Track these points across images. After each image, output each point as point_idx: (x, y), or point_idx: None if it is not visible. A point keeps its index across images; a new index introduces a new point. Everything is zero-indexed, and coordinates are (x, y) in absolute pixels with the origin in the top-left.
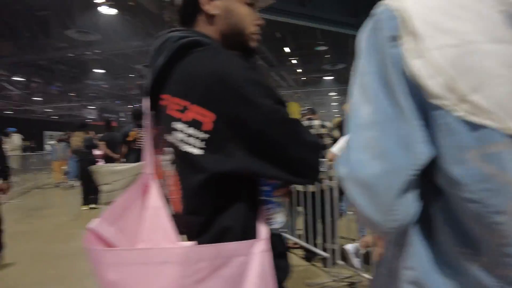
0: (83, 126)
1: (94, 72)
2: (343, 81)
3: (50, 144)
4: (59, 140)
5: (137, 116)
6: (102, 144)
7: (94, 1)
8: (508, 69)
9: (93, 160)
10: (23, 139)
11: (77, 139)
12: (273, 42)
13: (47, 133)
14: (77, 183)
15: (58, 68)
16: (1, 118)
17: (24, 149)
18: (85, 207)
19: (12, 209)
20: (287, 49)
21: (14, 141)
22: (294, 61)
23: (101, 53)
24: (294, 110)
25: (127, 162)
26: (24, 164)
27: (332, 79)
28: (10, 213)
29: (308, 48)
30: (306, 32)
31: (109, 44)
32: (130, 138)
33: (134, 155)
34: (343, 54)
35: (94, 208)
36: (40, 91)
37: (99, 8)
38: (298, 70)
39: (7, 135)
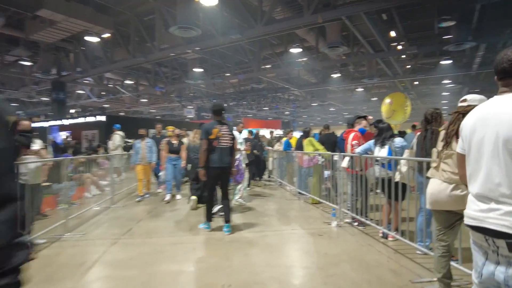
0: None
1: (193, 71)
2: (462, 66)
3: (131, 142)
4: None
5: (216, 111)
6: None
7: None
8: None
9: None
10: (125, 137)
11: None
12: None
13: (152, 131)
14: (178, 195)
15: (161, 70)
16: (115, 118)
17: (126, 148)
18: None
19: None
20: (393, 33)
21: (116, 140)
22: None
23: (200, 51)
24: (399, 101)
25: None
26: (125, 163)
27: (449, 63)
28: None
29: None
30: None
31: (208, 40)
32: (212, 136)
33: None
34: (468, 31)
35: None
36: (146, 93)
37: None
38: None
39: (112, 132)
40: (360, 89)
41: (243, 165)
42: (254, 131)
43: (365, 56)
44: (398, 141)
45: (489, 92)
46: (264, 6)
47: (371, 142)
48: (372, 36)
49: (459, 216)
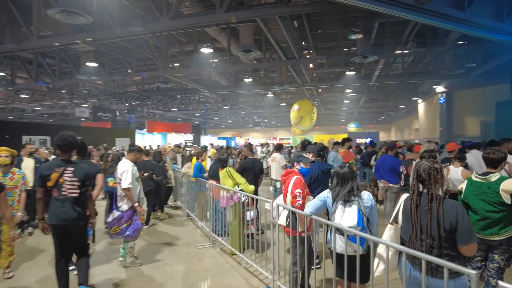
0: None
1: (86, 66)
2: (362, 77)
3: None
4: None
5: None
6: None
7: None
8: None
9: None
10: None
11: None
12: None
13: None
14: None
15: (46, 62)
16: None
17: None
18: None
19: None
20: (306, 41)
21: None
22: (314, 53)
23: (93, 42)
24: (307, 108)
25: None
26: None
27: (352, 74)
28: None
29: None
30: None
31: (104, 31)
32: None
33: None
34: (370, 45)
35: None
36: (27, 88)
37: None
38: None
39: None
40: (270, 95)
41: (141, 205)
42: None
43: (277, 63)
44: (368, 197)
45: (381, 101)
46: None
47: (325, 194)
48: (285, 42)
49: None
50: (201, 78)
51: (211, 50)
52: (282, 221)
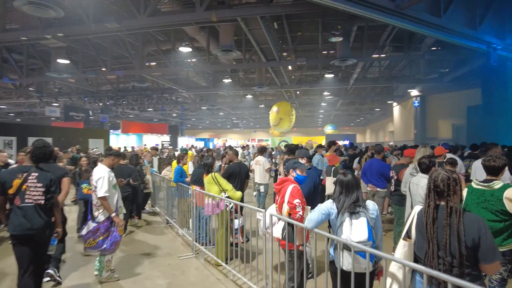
0: None
1: (57, 63)
2: (340, 80)
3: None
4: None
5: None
6: None
7: None
8: None
9: None
10: None
11: None
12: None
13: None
14: None
15: (12, 57)
16: None
17: None
18: None
19: None
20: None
21: None
22: (293, 56)
23: (65, 38)
24: (285, 109)
25: None
26: None
27: (331, 77)
28: None
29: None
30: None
31: (76, 26)
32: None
33: None
34: (348, 49)
35: None
36: None
37: None
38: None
39: None
40: (249, 96)
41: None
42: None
43: (257, 64)
44: (373, 207)
45: (357, 104)
46: None
47: (329, 205)
48: (265, 43)
49: None
50: (179, 77)
51: (189, 49)
52: (277, 233)
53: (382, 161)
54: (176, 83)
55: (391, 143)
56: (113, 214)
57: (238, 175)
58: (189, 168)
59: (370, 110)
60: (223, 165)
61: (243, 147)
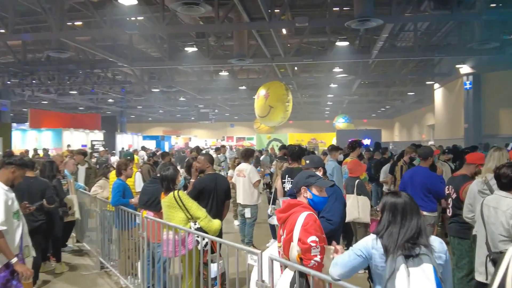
0: None
1: None
2: (358, 51)
3: None
4: None
5: None
6: None
7: None
8: None
9: None
10: None
11: None
12: None
13: None
14: None
15: None
16: None
17: None
18: None
19: None
20: None
21: None
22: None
23: None
24: (278, 93)
25: None
26: None
27: (344, 46)
28: None
29: None
30: None
31: None
32: None
33: None
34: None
35: None
36: None
37: None
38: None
39: None
40: (224, 73)
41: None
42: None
43: (236, 26)
44: (440, 247)
45: (381, 86)
46: None
47: (369, 243)
48: None
49: None
50: (118, 44)
51: (134, 2)
52: (284, 285)
53: (430, 171)
54: (113, 52)
55: (431, 143)
56: (14, 260)
57: (213, 194)
58: (136, 182)
59: (400, 95)
60: (191, 180)
61: (216, 149)
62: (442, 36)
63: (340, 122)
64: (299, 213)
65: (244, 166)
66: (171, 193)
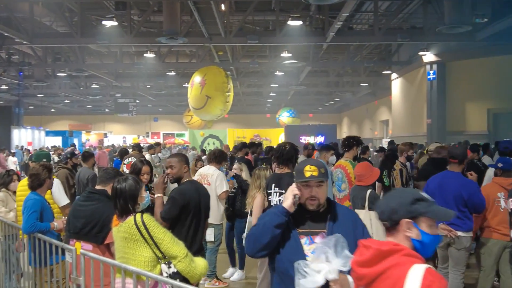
0: None
1: None
2: (312, 33)
3: None
4: None
5: None
6: None
7: None
8: None
9: None
10: None
11: None
12: None
13: None
14: None
15: None
16: None
17: None
18: None
19: None
20: None
21: None
22: None
23: None
24: (216, 81)
25: None
26: None
27: (297, 25)
28: None
29: None
30: None
31: None
32: None
33: None
34: None
35: None
36: None
37: None
38: None
39: None
40: (150, 55)
41: None
42: None
43: None
44: None
45: (331, 75)
46: None
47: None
48: None
49: None
50: (14, 16)
51: None
52: None
53: (465, 177)
54: (7, 25)
55: (385, 140)
56: None
57: (197, 211)
58: (56, 194)
59: (351, 85)
60: (158, 195)
61: (150, 147)
62: (404, 18)
63: (285, 117)
64: (404, 267)
65: (210, 171)
66: (130, 218)
